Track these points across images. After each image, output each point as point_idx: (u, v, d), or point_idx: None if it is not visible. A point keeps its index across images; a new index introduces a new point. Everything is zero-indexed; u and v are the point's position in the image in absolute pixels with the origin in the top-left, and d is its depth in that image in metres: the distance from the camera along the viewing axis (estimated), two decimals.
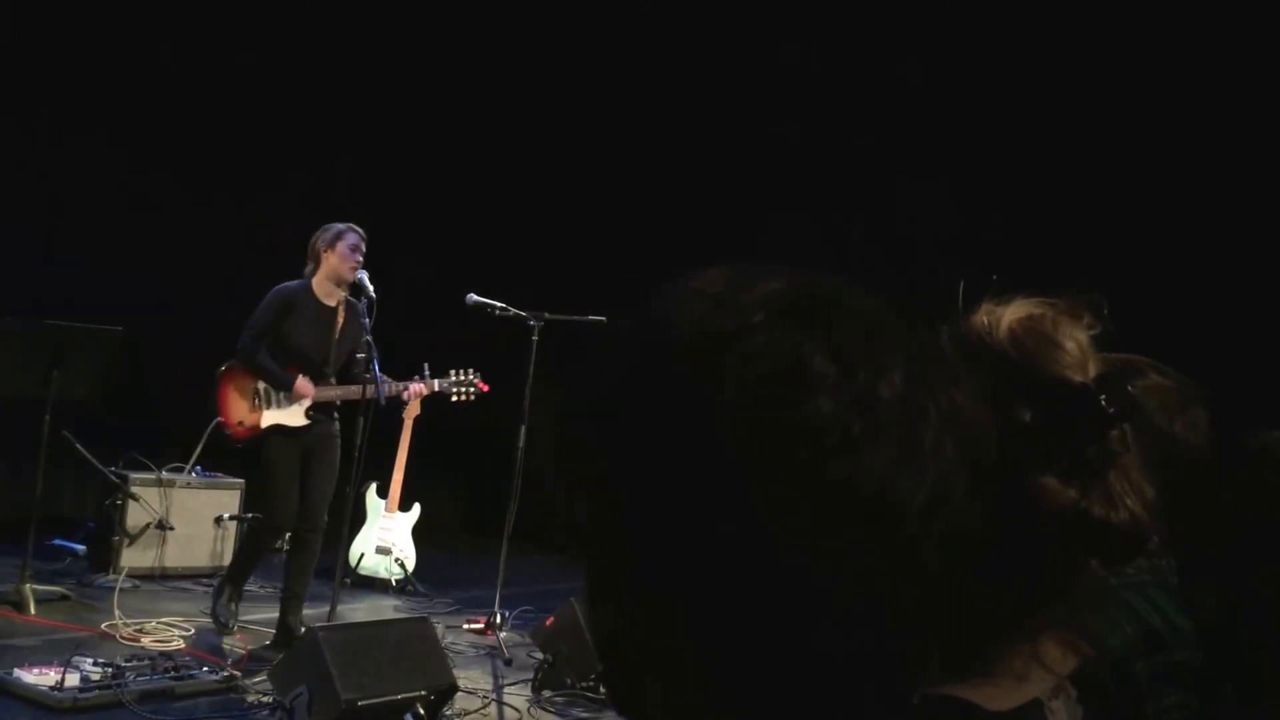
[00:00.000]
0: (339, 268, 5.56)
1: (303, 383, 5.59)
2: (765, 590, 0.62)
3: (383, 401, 5.52)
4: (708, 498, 0.62)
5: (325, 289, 5.63)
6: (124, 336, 6.13)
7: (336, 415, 5.71)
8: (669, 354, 0.65)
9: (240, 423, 5.73)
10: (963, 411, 0.66)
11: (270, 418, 5.65)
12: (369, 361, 5.46)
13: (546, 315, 6.17)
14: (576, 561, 0.69)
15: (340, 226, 5.64)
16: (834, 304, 0.66)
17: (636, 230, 8.60)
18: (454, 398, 6.26)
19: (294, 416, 5.64)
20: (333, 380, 5.67)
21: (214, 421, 5.84)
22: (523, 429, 6.13)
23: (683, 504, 0.63)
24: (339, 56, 8.60)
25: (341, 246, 5.57)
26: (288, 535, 5.98)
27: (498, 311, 6.17)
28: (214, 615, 5.79)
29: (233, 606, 5.81)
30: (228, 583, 5.87)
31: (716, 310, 0.65)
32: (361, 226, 5.68)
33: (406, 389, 6.01)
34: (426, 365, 6.18)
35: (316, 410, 5.65)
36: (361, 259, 5.61)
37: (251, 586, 6.43)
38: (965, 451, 0.65)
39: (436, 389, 6.18)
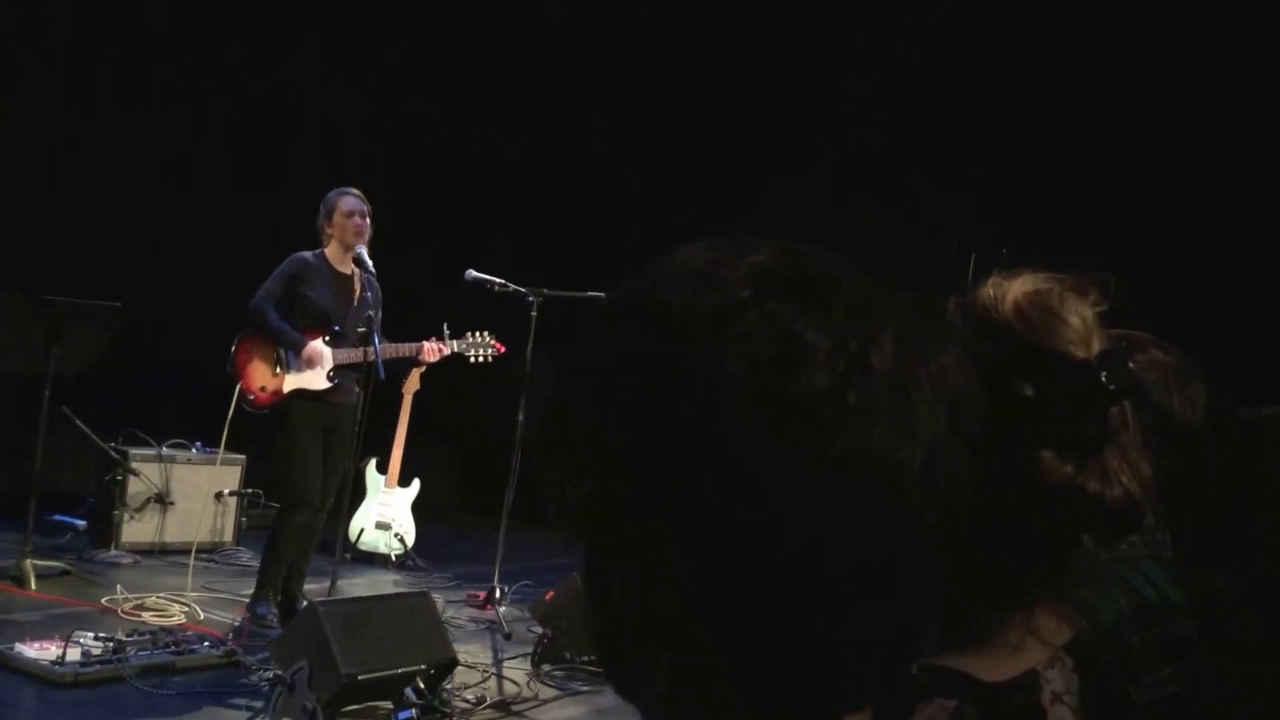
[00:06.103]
0: (343, 234, 5.56)
1: (313, 347, 5.51)
2: (773, 570, 0.61)
3: (382, 375, 5.40)
4: (713, 480, 0.61)
5: (338, 256, 5.62)
6: (124, 312, 6.13)
7: (359, 386, 5.50)
8: (663, 335, 0.63)
9: (263, 388, 5.59)
10: (951, 376, 0.65)
11: (293, 381, 5.56)
12: (369, 336, 5.38)
13: (545, 291, 6.15)
14: (571, 544, 0.67)
15: (335, 192, 5.63)
16: (820, 274, 0.65)
17: (635, 207, 8.58)
18: (471, 358, 6.11)
19: (317, 379, 5.56)
20: (355, 345, 5.55)
21: (237, 388, 5.62)
22: (522, 404, 6.13)
23: (688, 488, 0.61)
24: (341, 36, 8.55)
25: (338, 215, 5.57)
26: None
27: (496, 287, 6.15)
28: (257, 621, 5.47)
29: (274, 609, 5.53)
30: (264, 585, 5.58)
31: (705, 288, 0.63)
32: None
33: (421, 349, 5.85)
34: (446, 325, 6.01)
35: (339, 372, 5.57)
36: (364, 220, 5.58)
37: (252, 562, 6.43)
38: (957, 419, 0.64)
39: (455, 350, 6.01)
